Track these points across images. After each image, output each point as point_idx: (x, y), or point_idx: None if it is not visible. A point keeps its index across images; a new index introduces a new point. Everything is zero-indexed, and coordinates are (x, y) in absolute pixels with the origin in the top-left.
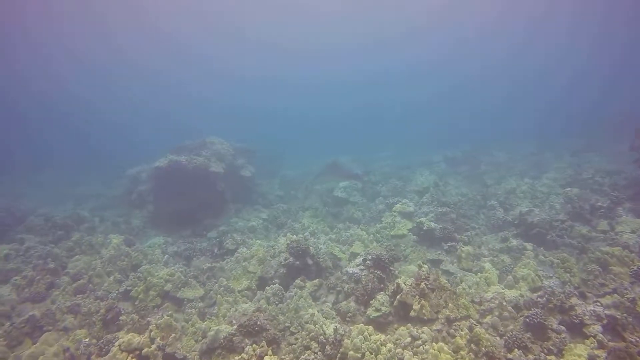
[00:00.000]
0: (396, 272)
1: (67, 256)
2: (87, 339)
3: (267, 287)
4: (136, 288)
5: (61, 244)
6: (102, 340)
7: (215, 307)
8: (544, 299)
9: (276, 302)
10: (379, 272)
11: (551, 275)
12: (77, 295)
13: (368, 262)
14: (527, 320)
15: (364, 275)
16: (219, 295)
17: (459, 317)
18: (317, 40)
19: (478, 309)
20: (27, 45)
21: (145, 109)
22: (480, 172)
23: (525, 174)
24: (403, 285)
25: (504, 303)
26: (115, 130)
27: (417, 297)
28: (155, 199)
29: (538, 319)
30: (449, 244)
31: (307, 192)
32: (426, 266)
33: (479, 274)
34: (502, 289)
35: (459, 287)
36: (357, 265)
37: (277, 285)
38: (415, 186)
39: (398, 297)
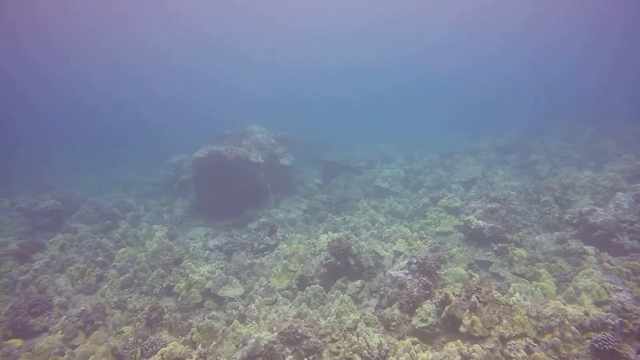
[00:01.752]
0: (442, 274)
1: (114, 247)
2: (132, 338)
3: (307, 288)
4: (178, 284)
5: (109, 234)
6: (146, 342)
7: (256, 310)
8: (617, 321)
9: (317, 304)
10: (424, 279)
11: (620, 287)
12: (124, 289)
13: (413, 266)
14: (596, 345)
15: (409, 280)
16: (259, 297)
17: (514, 335)
18: (342, 25)
19: (535, 324)
20: (65, 44)
21: (188, 101)
22: (531, 162)
23: (583, 164)
24: (452, 296)
25: (567, 322)
26: (159, 120)
27: (468, 310)
28: (196, 189)
29: (610, 346)
30: (499, 245)
31: (348, 181)
32: (477, 276)
33: (534, 282)
34: (563, 303)
35: (513, 298)
36: (402, 269)
37: (317, 285)
38: (460, 177)
39: (446, 308)
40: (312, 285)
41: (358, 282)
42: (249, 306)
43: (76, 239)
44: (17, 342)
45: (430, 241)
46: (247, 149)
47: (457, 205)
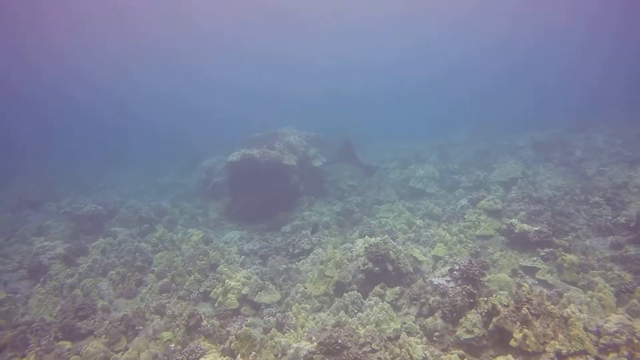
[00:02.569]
0: (485, 281)
1: (152, 251)
2: (173, 345)
3: (344, 294)
4: (215, 290)
5: (147, 237)
6: (186, 349)
7: (294, 317)
8: None
9: (355, 311)
10: (468, 287)
11: None
12: (162, 294)
13: (455, 273)
14: None
15: (451, 288)
16: (296, 304)
17: (573, 352)
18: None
19: (595, 341)
20: (92, 46)
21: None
22: (576, 160)
23: (636, 161)
24: (500, 306)
25: (636, 340)
26: (190, 120)
27: (518, 323)
28: (230, 192)
29: None
30: (546, 250)
31: (381, 182)
32: (526, 285)
33: (589, 291)
34: (629, 318)
35: (567, 309)
36: (443, 276)
37: (355, 292)
38: (499, 176)
39: (494, 320)
40: (349, 292)
41: (397, 289)
42: (287, 313)
43: (116, 243)
44: (67, 345)
45: (470, 245)
46: (279, 151)
47: (498, 207)
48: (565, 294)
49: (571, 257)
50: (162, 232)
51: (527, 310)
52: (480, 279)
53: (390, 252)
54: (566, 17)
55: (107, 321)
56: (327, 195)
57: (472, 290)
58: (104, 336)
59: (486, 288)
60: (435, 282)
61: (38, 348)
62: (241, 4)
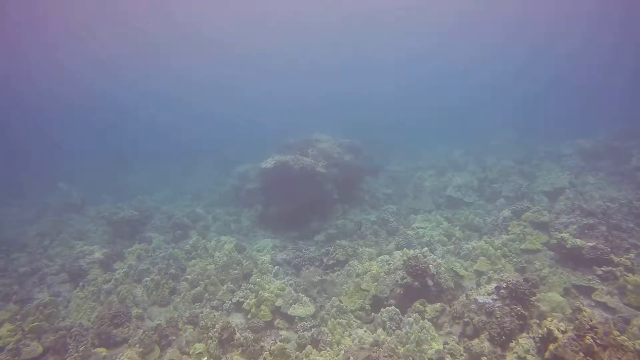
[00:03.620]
0: (535, 300)
1: (185, 258)
2: (205, 358)
3: (382, 310)
4: (248, 301)
5: (181, 244)
6: None
7: (329, 333)
8: None
9: (393, 328)
10: (518, 307)
11: None
12: (195, 303)
13: (502, 291)
14: None
15: (498, 307)
16: (332, 319)
17: None
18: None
19: None
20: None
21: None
22: (631, 169)
23: None
24: (557, 332)
25: None
26: (221, 127)
27: (582, 354)
28: (262, 199)
29: None
30: (603, 269)
31: (417, 190)
32: (588, 310)
33: None
34: None
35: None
36: (489, 294)
37: (393, 307)
38: (543, 186)
39: (552, 349)
40: (387, 307)
41: (438, 306)
42: (322, 329)
43: (151, 249)
44: (103, 352)
45: (515, 260)
46: (313, 158)
47: (545, 219)
48: (633, 321)
49: (636, 278)
50: (196, 240)
51: (591, 340)
52: (531, 298)
53: (430, 265)
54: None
55: (142, 330)
56: (362, 203)
57: (522, 311)
58: (138, 345)
59: (536, 308)
60: (480, 300)
61: (76, 354)
62: (258, 15)
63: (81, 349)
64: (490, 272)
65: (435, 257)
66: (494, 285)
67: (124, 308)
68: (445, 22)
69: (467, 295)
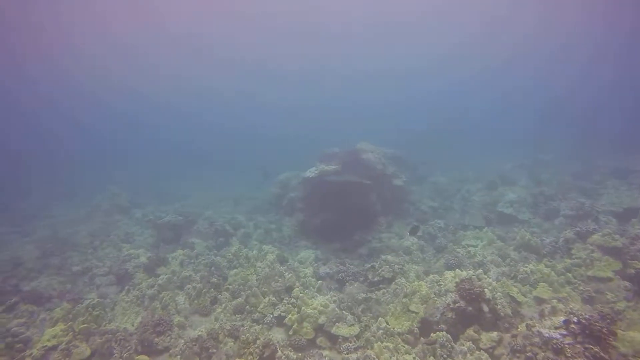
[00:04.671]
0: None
1: (227, 267)
2: None
3: (432, 334)
4: (290, 316)
5: (222, 251)
6: None
7: (375, 357)
8: None
9: (444, 356)
10: (594, 348)
11: None
12: (236, 315)
13: (573, 326)
14: None
15: (568, 345)
16: (378, 342)
17: None
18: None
19: None
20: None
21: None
22: None
23: None
24: None
25: None
26: (260, 135)
27: None
28: (304, 208)
29: None
30: None
31: (464, 204)
32: None
33: None
34: None
35: None
36: (556, 328)
37: (444, 333)
38: (611, 205)
39: None
40: (437, 332)
41: (494, 335)
42: (367, 352)
43: (193, 256)
44: (145, 359)
45: (581, 288)
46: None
47: (617, 244)
48: None
49: None
50: (238, 249)
51: None
52: (609, 338)
53: (486, 290)
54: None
55: (183, 340)
56: (407, 216)
57: (600, 353)
58: (179, 357)
59: (614, 349)
60: (546, 334)
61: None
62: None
63: (125, 355)
64: (554, 300)
65: (490, 280)
66: (561, 318)
67: (166, 316)
68: (475, 23)
69: (528, 326)
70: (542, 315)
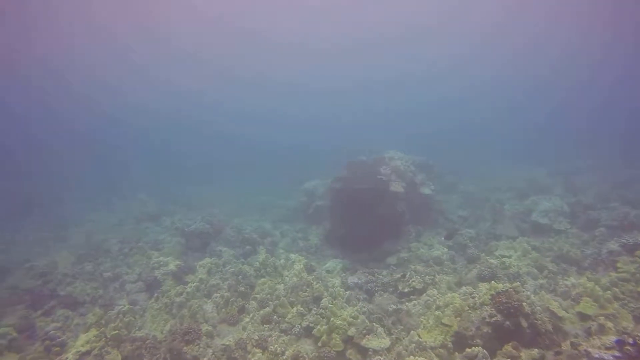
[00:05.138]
0: None
1: (255, 276)
2: None
3: (467, 350)
4: (318, 327)
5: (250, 260)
6: None
7: None
8: None
9: None
10: None
11: None
12: (264, 325)
13: (628, 348)
14: None
15: None
16: (410, 356)
17: None
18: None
19: None
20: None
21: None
22: None
23: None
24: None
25: None
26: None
27: None
28: (331, 217)
29: None
30: None
31: (495, 214)
32: None
33: None
34: None
35: None
36: (607, 348)
37: (479, 348)
38: None
39: None
40: (472, 348)
41: (535, 352)
42: None
43: (220, 264)
44: None
45: (631, 305)
46: (386, 176)
47: None
48: None
49: None
50: (265, 257)
51: None
52: None
53: (524, 303)
54: None
55: (211, 350)
56: (436, 225)
57: None
58: None
59: None
60: (596, 356)
61: None
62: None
63: None
64: (600, 317)
65: (528, 293)
66: (612, 337)
67: (195, 325)
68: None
69: (573, 344)
70: (588, 333)
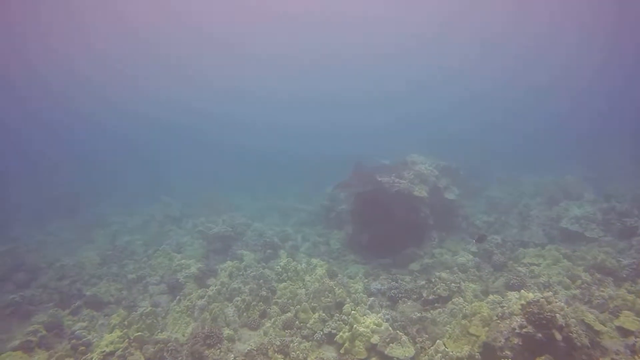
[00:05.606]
0: None
1: (276, 280)
2: None
3: None
4: (341, 334)
5: (271, 264)
6: None
7: None
8: None
9: None
10: None
11: None
12: (286, 330)
13: None
14: None
15: None
16: None
17: None
18: None
19: None
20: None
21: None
22: None
23: None
24: None
25: None
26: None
27: None
28: (353, 222)
29: None
30: None
31: (523, 220)
32: None
33: None
34: None
35: None
36: None
37: None
38: None
39: None
40: None
41: None
42: None
43: (242, 267)
44: None
45: None
46: (410, 181)
47: None
48: None
49: None
50: (287, 262)
51: None
52: None
53: (558, 315)
54: None
55: (232, 354)
56: (460, 231)
57: None
58: None
59: None
60: None
61: None
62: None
63: None
64: None
65: (561, 304)
66: None
67: (216, 328)
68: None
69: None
70: (633, 350)
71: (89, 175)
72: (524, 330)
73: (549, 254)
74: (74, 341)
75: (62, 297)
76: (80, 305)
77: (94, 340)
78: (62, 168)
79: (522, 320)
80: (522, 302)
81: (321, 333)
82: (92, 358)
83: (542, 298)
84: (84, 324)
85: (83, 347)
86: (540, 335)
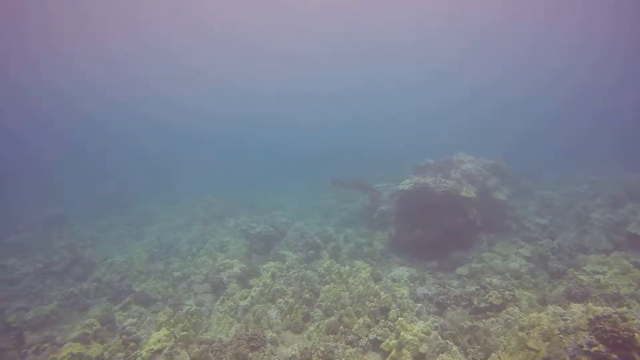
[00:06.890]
0: None
1: (319, 282)
2: None
3: None
4: (387, 341)
5: (313, 265)
6: None
7: None
8: None
9: None
10: None
11: None
12: (330, 335)
13: None
14: None
15: None
16: None
17: None
18: None
19: None
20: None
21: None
22: None
23: None
24: None
25: None
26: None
27: None
28: (397, 222)
29: None
30: None
31: (581, 223)
32: None
33: None
34: None
35: None
36: None
37: None
38: None
39: None
40: None
41: None
42: None
43: (284, 268)
44: None
45: None
46: (457, 181)
47: None
48: None
49: None
50: (330, 263)
51: None
52: None
53: (637, 334)
54: None
55: (276, 358)
56: (510, 234)
57: None
58: None
59: None
60: None
61: None
62: None
63: None
64: None
65: (638, 321)
66: None
67: (259, 331)
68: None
69: None
70: None
71: (140, 175)
72: (594, 349)
73: (616, 262)
74: (124, 337)
75: (113, 292)
76: (130, 301)
77: (143, 336)
78: (113, 168)
79: (591, 337)
80: (590, 316)
81: (366, 339)
82: (141, 355)
83: (614, 313)
84: (134, 320)
85: (133, 343)
86: (615, 357)
